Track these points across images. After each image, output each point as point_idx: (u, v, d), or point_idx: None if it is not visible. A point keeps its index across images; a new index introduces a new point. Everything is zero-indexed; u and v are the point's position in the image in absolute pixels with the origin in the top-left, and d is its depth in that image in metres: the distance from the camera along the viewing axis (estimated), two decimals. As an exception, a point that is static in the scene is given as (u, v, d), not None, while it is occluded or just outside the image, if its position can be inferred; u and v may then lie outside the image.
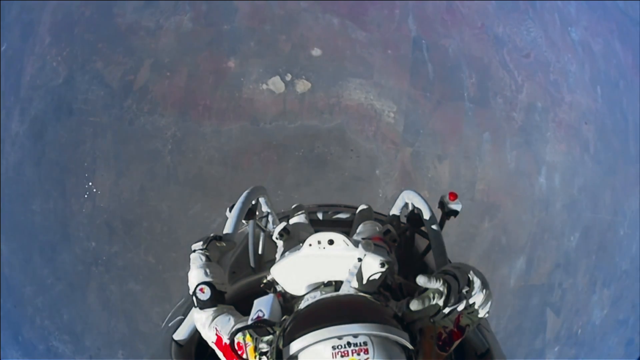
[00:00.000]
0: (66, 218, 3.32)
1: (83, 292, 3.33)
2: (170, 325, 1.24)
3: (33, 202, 3.36)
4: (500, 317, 3.61)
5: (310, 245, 1.08)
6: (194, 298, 1.05)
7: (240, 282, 1.40)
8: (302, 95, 3.30)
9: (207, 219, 3.18)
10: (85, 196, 3.30)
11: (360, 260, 1.02)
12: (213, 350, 1.21)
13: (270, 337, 0.90)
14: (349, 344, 0.77)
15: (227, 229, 1.29)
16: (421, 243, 1.56)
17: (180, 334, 1.15)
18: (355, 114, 3.33)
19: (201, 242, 1.15)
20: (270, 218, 1.76)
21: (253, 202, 1.47)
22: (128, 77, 3.35)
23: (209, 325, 1.04)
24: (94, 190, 3.30)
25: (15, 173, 3.40)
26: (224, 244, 1.20)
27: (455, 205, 1.45)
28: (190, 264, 1.12)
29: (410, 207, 1.54)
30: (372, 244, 1.06)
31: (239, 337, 0.94)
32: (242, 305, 1.36)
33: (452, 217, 1.47)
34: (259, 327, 0.90)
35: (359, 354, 0.75)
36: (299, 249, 1.10)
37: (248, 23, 3.38)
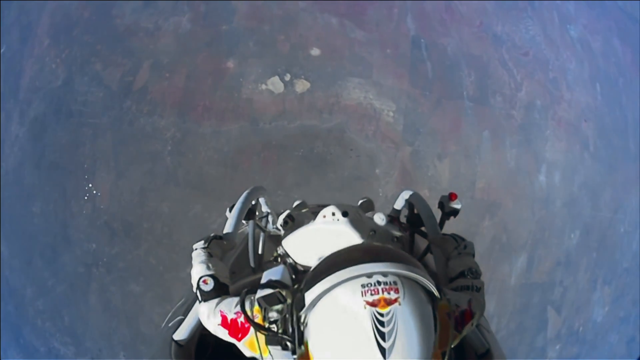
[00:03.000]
0: (66, 220, 3.32)
1: (84, 293, 3.32)
2: (170, 325, 1.24)
3: (33, 204, 3.36)
4: (501, 315, 3.61)
5: (324, 217, 1.09)
6: (198, 291, 1.04)
7: (240, 282, 1.40)
8: (302, 95, 3.30)
9: (207, 219, 3.18)
10: (86, 198, 3.30)
11: (374, 232, 1.02)
12: (213, 350, 1.21)
13: (280, 305, 0.86)
14: (378, 282, 0.73)
15: (227, 229, 1.29)
16: (421, 243, 1.55)
17: (180, 334, 1.14)
18: (355, 114, 3.33)
19: (202, 241, 1.16)
20: (270, 218, 1.76)
21: (253, 203, 1.47)
22: (127, 78, 3.34)
23: (213, 311, 1.00)
24: (94, 191, 3.30)
25: (15, 175, 3.40)
26: (225, 242, 1.21)
27: (455, 205, 1.45)
28: (192, 261, 1.11)
29: (409, 207, 1.54)
30: (386, 217, 1.06)
31: (246, 310, 0.91)
32: None
33: (452, 217, 1.47)
34: (270, 291, 0.86)
35: (389, 293, 0.72)
36: (312, 222, 1.09)
37: (247, 23, 3.38)
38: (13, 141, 3.43)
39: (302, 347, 0.78)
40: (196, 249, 1.14)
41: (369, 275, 0.74)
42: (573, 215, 3.85)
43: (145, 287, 3.26)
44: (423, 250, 1.51)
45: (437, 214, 1.45)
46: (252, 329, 0.90)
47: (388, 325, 0.70)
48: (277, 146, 3.28)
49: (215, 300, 1.03)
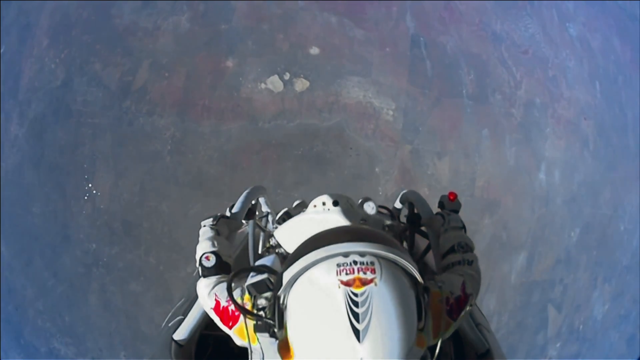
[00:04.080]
0: (66, 220, 3.32)
1: (84, 293, 3.32)
2: (170, 325, 1.24)
3: (33, 204, 3.36)
4: (502, 313, 3.62)
5: (315, 206, 1.08)
6: (199, 267, 1.04)
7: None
8: (301, 94, 3.30)
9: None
10: (85, 198, 3.30)
11: (364, 221, 1.01)
12: (213, 350, 1.21)
13: (269, 293, 0.85)
14: (354, 262, 0.71)
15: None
16: (421, 243, 1.55)
17: (180, 334, 1.14)
18: (354, 112, 3.33)
19: (211, 219, 1.16)
20: (270, 218, 1.76)
21: (253, 202, 1.47)
22: (126, 78, 3.34)
23: (209, 292, 0.99)
24: (94, 191, 3.30)
25: (14, 175, 3.40)
26: (233, 222, 1.21)
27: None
28: (199, 238, 1.11)
29: (409, 207, 1.54)
30: (376, 206, 1.05)
31: (236, 298, 0.90)
32: None
33: None
34: (259, 278, 0.85)
35: (365, 273, 0.69)
36: (303, 212, 1.08)
37: (246, 22, 3.38)
38: (12, 141, 3.43)
39: (283, 332, 0.77)
40: (204, 226, 1.14)
41: (346, 255, 0.72)
42: (573, 213, 3.85)
43: (145, 286, 3.26)
44: (423, 250, 1.50)
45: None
46: (241, 317, 0.89)
47: (362, 306, 0.67)
48: (277, 145, 3.28)
49: (214, 279, 1.02)
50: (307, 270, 0.74)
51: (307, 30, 3.38)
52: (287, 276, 0.76)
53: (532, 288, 3.75)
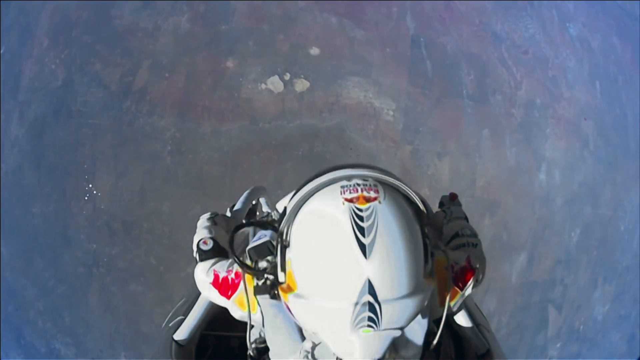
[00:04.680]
0: (67, 220, 3.32)
1: (84, 294, 3.33)
2: (170, 325, 1.24)
3: (33, 205, 3.36)
4: (502, 314, 3.62)
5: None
6: (196, 252, 1.02)
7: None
8: (301, 95, 3.30)
9: (207, 219, 3.17)
10: (86, 198, 3.30)
11: None
12: (213, 350, 1.21)
13: (270, 257, 0.81)
14: (357, 184, 0.70)
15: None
16: None
17: (181, 334, 1.14)
18: (354, 113, 3.34)
19: (209, 213, 1.15)
20: (270, 218, 1.76)
21: (253, 202, 1.47)
22: (127, 78, 3.35)
23: (207, 271, 0.96)
24: (94, 192, 3.30)
25: (14, 176, 3.40)
26: (232, 219, 1.21)
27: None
28: (196, 229, 1.10)
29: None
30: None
31: (236, 267, 0.89)
32: None
33: None
34: (261, 242, 0.82)
35: (368, 192, 0.69)
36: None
37: (246, 23, 3.38)
38: (13, 142, 3.43)
39: (285, 275, 0.73)
40: (202, 218, 1.14)
41: (348, 179, 0.72)
42: (573, 213, 3.85)
43: (145, 287, 3.26)
44: None
45: None
46: (241, 284, 0.85)
47: (367, 220, 0.65)
48: (277, 145, 3.28)
49: (212, 260, 1.00)
50: (310, 196, 0.73)
51: (308, 30, 3.39)
52: (290, 206, 0.74)
53: (532, 288, 3.75)
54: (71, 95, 3.37)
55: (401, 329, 0.67)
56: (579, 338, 3.97)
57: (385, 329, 0.65)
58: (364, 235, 0.64)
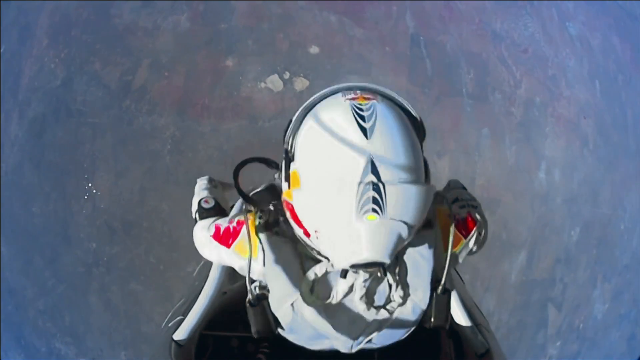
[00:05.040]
0: (66, 220, 3.32)
1: (84, 293, 3.33)
2: (170, 325, 1.23)
3: (33, 204, 3.36)
4: (502, 312, 3.62)
5: None
6: (197, 211, 1.04)
7: (240, 282, 1.40)
8: (301, 93, 3.30)
9: (207, 218, 3.17)
10: (85, 197, 3.31)
11: None
12: (213, 351, 1.21)
13: (276, 201, 0.84)
14: (358, 90, 0.77)
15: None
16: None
17: (180, 334, 1.14)
18: (354, 111, 3.33)
19: (207, 176, 1.21)
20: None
21: None
22: (126, 77, 3.35)
23: (208, 226, 0.94)
24: (94, 191, 3.30)
25: (14, 175, 3.40)
26: (228, 185, 1.23)
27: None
28: (195, 189, 1.13)
29: None
30: None
31: (237, 218, 0.89)
32: (241, 305, 1.36)
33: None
34: (264, 186, 0.90)
35: (367, 95, 0.75)
36: None
37: (245, 22, 3.38)
38: (12, 141, 3.43)
39: (289, 183, 0.74)
40: (200, 181, 1.18)
41: (349, 88, 0.78)
42: (573, 212, 3.85)
43: (145, 286, 3.26)
44: None
45: None
46: (243, 230, 0.84)
47: (367, 111, 0.70)
48: (277, 144, 3.26)
49: (213, 218, 1.00)
50: (312, 107, 0.77)
51: (307, 29, 3.39)
52: (294, 118, 0.79)
53: (532, 287, 3.75)
54: (71, 94, 3.37)
55: (408, 226, 0.65)
56: (578, 337, 3.97)
57: (391, 219, 0.63)
58: (364, 121, 0.68)
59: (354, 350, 0.82)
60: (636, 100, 4.17)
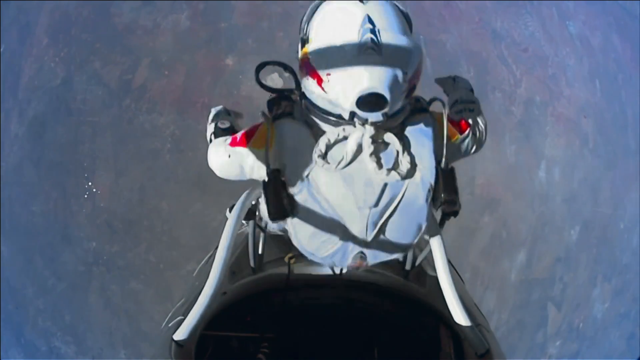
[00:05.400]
0: (66, 218, 3.32)
1: (84, 292, 3.33)
2: (170, 325, 1.23)
3: (33, 203, 3.36)
4: (502, 311, 3.62)
5: None
6: (213, 132, 1.14)
7: (240, 282, 1.40)
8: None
9: (207, 217, 3.18)
10: (85, 196, 3.31)
11: None
12: (213, 351, 1.21)
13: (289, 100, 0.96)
14: None
15: (227, 230, 1.28)
16: (422, 243, 1.55)
17: (180, 334, 1.14)
18: (354, 110, 3.33)
19: (221, 106, 1.30)
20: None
21: (253, 202, 1.47)
22: (126, 76, 3.35)
23: (224, 139, 1.01)
24: (94, 190, 3.30)
25: (14, 174, 3.40)
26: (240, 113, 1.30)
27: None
28: (210, 116, 1.24)
29: None
30: None
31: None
32: (242, 305, 1.36)
33: (452, 217, 1.46)
34: (284, 65, 1.01)
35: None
36: None
37: (245, 20, 3.38)
38: (12, 140, 3.43)
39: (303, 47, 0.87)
40: (214, 109, 1.26)
41: None
42: (573, 211, 3.85)
43: (145, 285, 3.26)
44: (423, 250, 1.49)
45: (437, 214, 1.44)
46: (259, 128, 0.95)
47: None
48: (277, 144, 3.28)
49: (230, 135, 1.04)
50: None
51: (307, 28, 3.38)
52: (309, 9, 0.91)
53: (531, 286, 3.75)
54: (71, 93, 3.37)
55: (401, 70, 0.76)
56: (578, 336, 3.97)
57: (386, 58, 0.75)
58: (362, 2, 0.81)
59: (369, 238, 0.86)
60: (636, 99, 4.17)
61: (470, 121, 0.98)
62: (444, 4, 3.66)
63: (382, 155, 0.83)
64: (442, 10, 3.65)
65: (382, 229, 0.88)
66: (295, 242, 0.97)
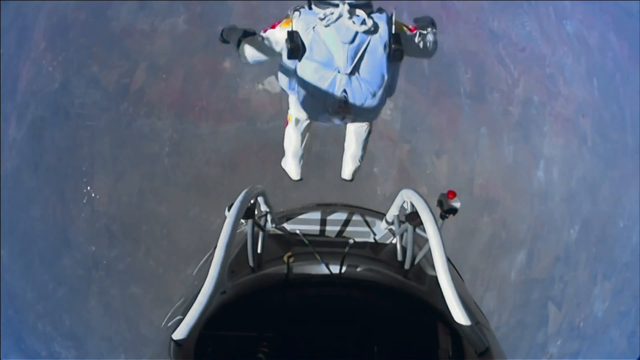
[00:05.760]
0: (65, 223, 3.32)
1: (84, 296, 3.32)
2: (169, 325, 1.23)
3: (32, 207, 3.36)
4: (502, 311, 3.62)
5: None
6: (242, 34, 1.52)
7: (239, 281, 1.40)
8: (299, 95, 3.30)
9: (206, 220, 3.18)
10: (84, 201, 3.30)
11: None
12: (213, 350, 1.21)
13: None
14: None
15: (226, 229, 1.28)
16: (421, 242, 1.55)
17: (180, 334, 1.13)
18: (352, 112, 3.33)
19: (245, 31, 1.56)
20: (269, 217, 1.75)
21: (252, 202, 1.47)
22: (124, 80, 3.34)
23: (258, 33, 1.48)
24: (93, 194, 3.30)
25: (13, 179, 3.39)
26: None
27: (454, 203, 1.45)
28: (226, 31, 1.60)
29: (408, 206, 1.53)
30: None
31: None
32: (241, 305, 1.35)
33: (451, 215, 1.46)
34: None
35: None
36: None
37: (243, 23, 3.36)
38: (11, 144, 3.42)
39: None
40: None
41: None
42: (572, 210, 3.85)
43: (145, 289, 3.26)
44: (422, 248, 1.49)
45: (437, 212, 1.45)
46: (283, 19, 1.39)
47: None
48: (275, 146, 3.26)
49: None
50: None
51: (304, 30, 3.38)
52: None
53: (532, 286, 3.75)
54: (69, 97, 3.37)
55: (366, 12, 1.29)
56: (579, 335, 3.97)
57: None
58: None
59: (349, 70, 1.31)
60: (634, 97, 4.17)
61: (419, 31, 1.46)
62: (441, 5, 3.66)
63: (354, 18, 1.28)
64: (439, 11, 3.65)
65: (357, 66, 1.32)
66: (298, 99, 1.46)
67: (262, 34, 1.46)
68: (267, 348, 1.25)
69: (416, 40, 1.45)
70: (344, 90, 1.34)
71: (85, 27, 3.47)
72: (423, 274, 1.46)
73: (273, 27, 1.43)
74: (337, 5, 1.29)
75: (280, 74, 1.49)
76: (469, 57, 3.63)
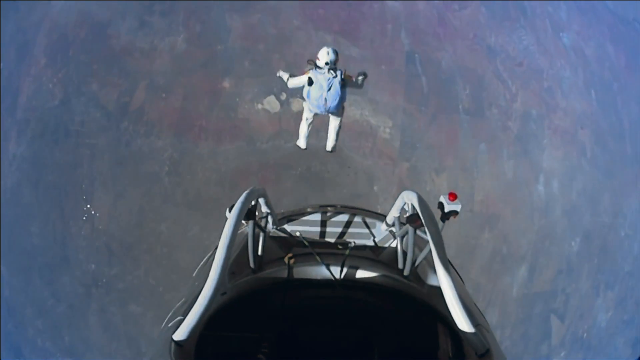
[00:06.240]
0: (65, 240, 3.32)
1: (84, 313, 3.32)
2: (170, 325, 1.22)
3: (32, 224, 3.37)
4: (505, 326, 3.60)
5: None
6: (289, 75, 2.59)
7: (239, 282, 1.40)
8: (298, 114, 3.31)
9: (206, 240, 3.18)
10: (84, 218, 3.31)
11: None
12: (213, 351, 1.21)
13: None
14: None
15: (227, 230, 1.28)
16: (422, 244, 1.55)
17: (180, 335, 1.13)
18: (351, 131, 3.34)
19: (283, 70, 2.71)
20: (270, 219, 1.75)
21: (253, 203, 1.46)
22: (124, 98, 3.36)
23: (297, 76, 2.57)
24: (93, 212, 3.30)
25: (13, 195, 3.40)
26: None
27: (454, 206, 1.45)
28: (290, 75, 2.62)
29: (409, 208, 1.54)
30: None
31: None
32: (242, 305, 1.35)
33: (452, 217, 1.46)
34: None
35: None
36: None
37: (242, 43, 3.40)
38: (11, 160, 3.44)
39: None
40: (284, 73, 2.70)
41: None
42: (573, 222, 3.84)
43: (145, 307, 3.26)
44: (423, 249, 1.48)
45: (437, 214, 1.44)
46: (305, 71, 2.54)
47: None
48: (275, 165, 3.29)
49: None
50: None
51: (303, 49, 3.40)
52: None
53: (534, 299, 3.74)
54: (69, 114, 3.38)
55: (336, 55, 2.52)
56: (583, 346, 3.95)
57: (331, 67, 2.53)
58: None
59: (325, 94, 2.53)
60: (632, 106, 4.18)
61: (357, 79, 2.59)
62: (438, 22, 3.68)
63: (330, 72, 2.44)
64: (437, 28, 3.67)
65: (329, 89, 2.49)
66: (309, 102, 2.56)
67: (300, 77, 2.58)
68: (268, 349, 1.25)
69: (353, 80, 2.55)
70: (325, 99, 2.51)
71: (85, 44, 3.49)
72: (423, 276, 1.46)
73: (303, 74, 2.53)
74: (323, 68, 2.45)
75: (303, 91, 2.54)
76: (467, 73, 3.64)
